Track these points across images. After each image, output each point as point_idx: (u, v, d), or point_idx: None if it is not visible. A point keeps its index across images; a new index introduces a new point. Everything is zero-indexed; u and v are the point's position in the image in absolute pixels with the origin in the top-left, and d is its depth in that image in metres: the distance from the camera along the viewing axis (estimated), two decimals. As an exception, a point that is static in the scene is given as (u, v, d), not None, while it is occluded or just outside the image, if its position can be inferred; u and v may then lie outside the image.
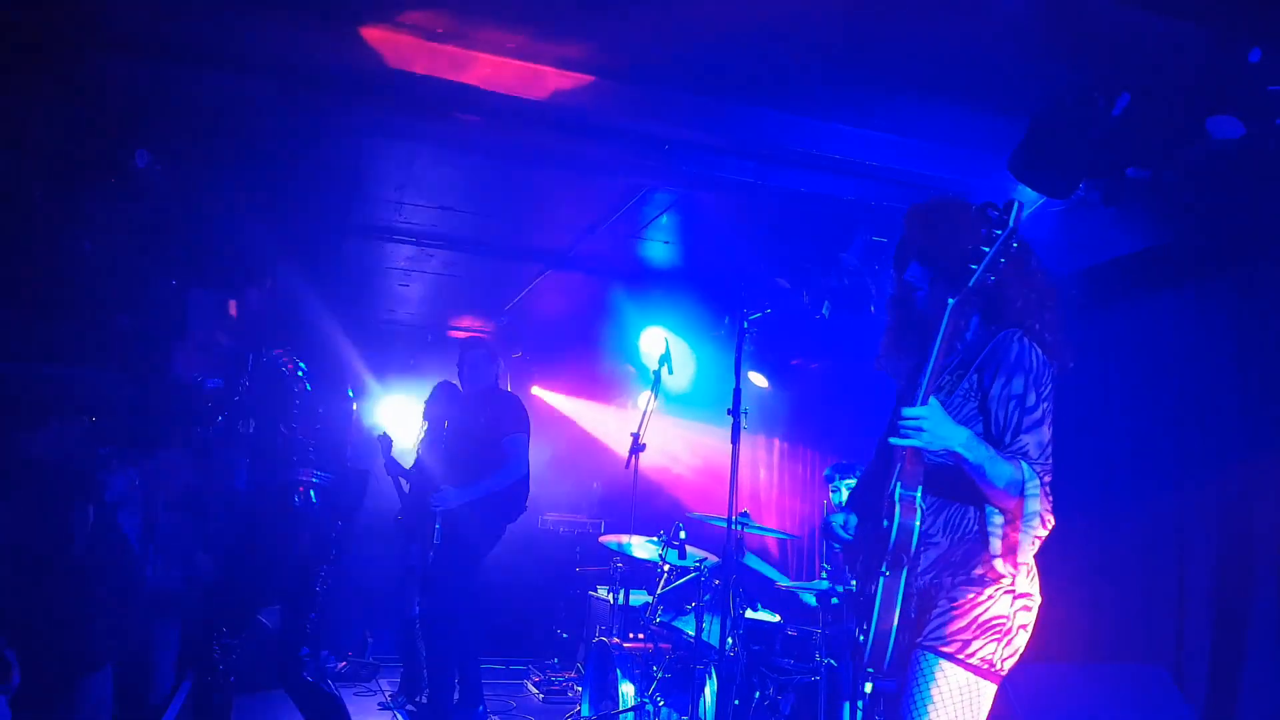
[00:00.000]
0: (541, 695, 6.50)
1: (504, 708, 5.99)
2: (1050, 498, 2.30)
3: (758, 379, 6.64)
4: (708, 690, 4.50)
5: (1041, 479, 2.28)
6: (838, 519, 2.63)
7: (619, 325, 7.09)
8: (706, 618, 4.52)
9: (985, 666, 2.26)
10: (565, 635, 7.30)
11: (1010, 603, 2.30)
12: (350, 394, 4.17)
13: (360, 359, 7.68)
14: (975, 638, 2.26)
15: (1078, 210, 4.29)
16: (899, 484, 2.30)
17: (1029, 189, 3.84)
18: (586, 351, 8.08)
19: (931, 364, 2.23)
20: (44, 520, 4.18)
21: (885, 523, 2.29)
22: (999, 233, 2.18)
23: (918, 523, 2.27)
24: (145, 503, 5.52)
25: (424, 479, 5.70)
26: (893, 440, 2.26)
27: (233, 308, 6.00)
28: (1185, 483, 4.16)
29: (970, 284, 2.20)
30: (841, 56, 3.59)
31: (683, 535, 4.98)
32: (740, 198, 4.99)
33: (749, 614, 4.74)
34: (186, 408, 6.37)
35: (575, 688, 6.49)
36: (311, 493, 3.90)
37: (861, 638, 2.36)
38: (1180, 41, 3.16)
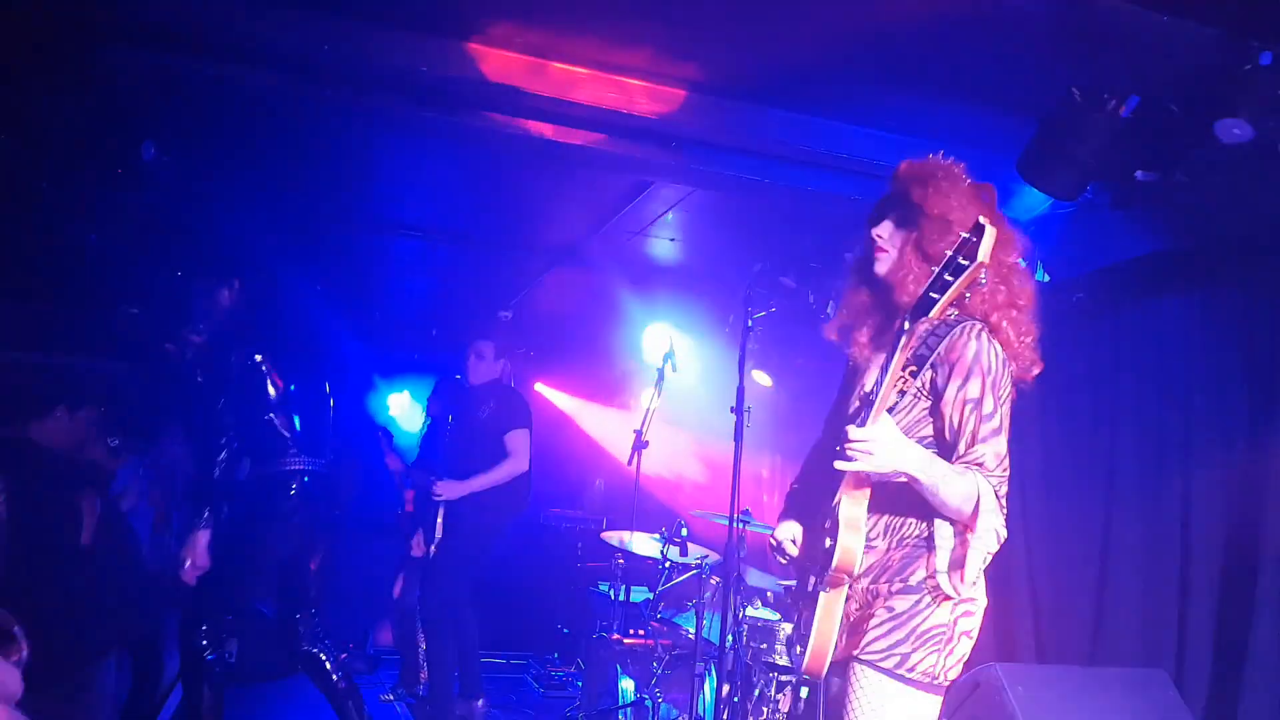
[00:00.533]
0: (542, 689, 6.51)
1: (504, 702, 6.00)
2: (1005, 510, 2.14)
3: (762, 378, 6.63)
4: (707, 686, 4.50)
5: (997, 491, 2.11)
6: (787, 533, 2.49)
7: (623, 322, 7.08)
8: (707, 615, 4.52)
9: (926, 680, 2.15)
10: (566, 630, 7.31)
11: (950, 610, 2.16)
12: (326, 387, 4.20)
13: (364, 353, 7.69)
14: (914, 650, 2.14)
15: (1086, 213, 4.28)
16: (845, 500, 2.17)
17: (1037, 190, 3.83)
18: (590, 348, 8.08)
19: (885, 383, 2.07)
20: (53, 509, 4.20)
21: (828, 541, 2.17)
22: (965, 264, 1.97)
23: (861, 544, 2.16)
24: (157, 492, 5.54)
25: (426, 472, 5.71)
26: (838, 465, 2.08)
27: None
28: (1191, 485, 4.15)
29: (928, 314, 2.02)
30: (849, 55, 3.58)
31: (684, 532, 4.98)
32: (746, 196, 4.98)
33: (749, 611, 4.74)
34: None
35: (575, 683, 6.50)
36: (306, 479, 3.92)
37: (799, 649, 2.26)
38: (1191, 44, 3.14)
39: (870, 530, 2.24)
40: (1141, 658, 4.14)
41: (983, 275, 2.01)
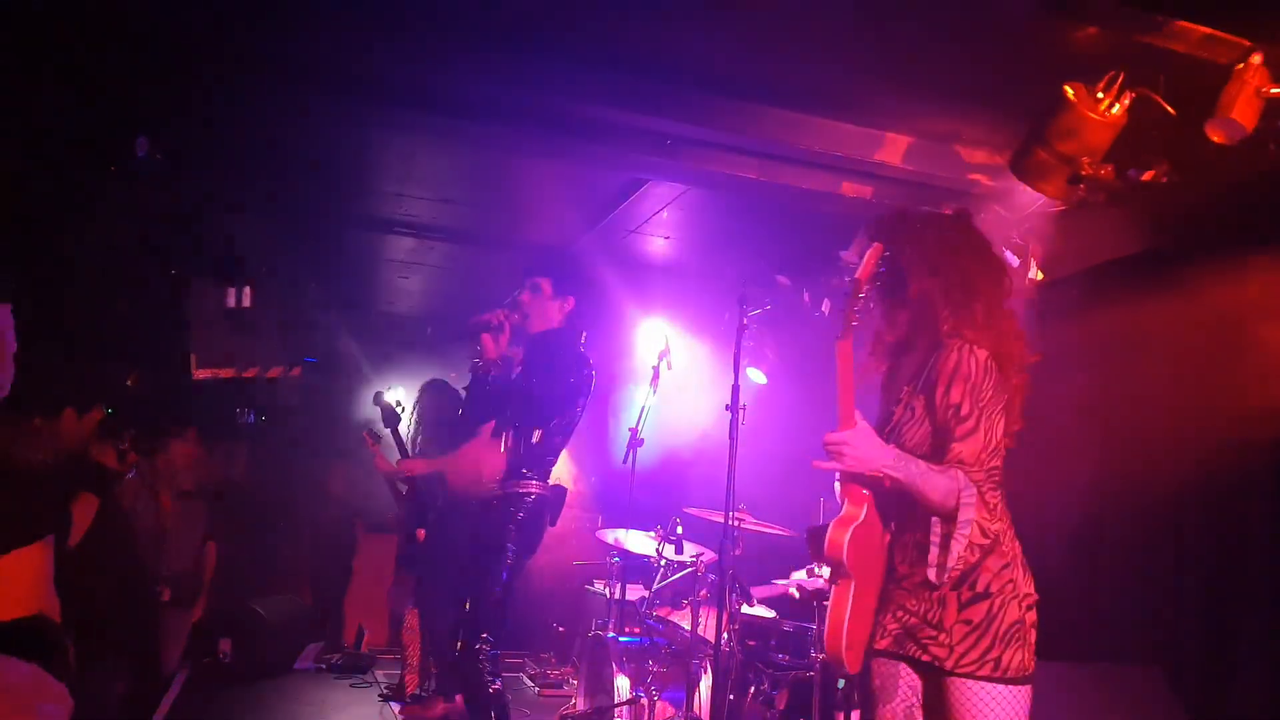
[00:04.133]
0: (537, 688, 6.52)
1: (499, 700, 6.00)
2: (991, 507, 2.31)
3: (757, 375, 6.64)
4: (703, 685, 4.51)
5: (981, 488, 2.28)
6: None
7: (619, 318, 7.08)
8: (702, 612, 4.53)
9: (1022, 674, 2.33)
10: (561, 629, 7.31)
11: (1019, 606, 2.34)
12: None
13: (361, 352, 7.69)
14: (1003, 651, 2.30)
15: (1079, 211, 4.29)
16: (845, 501, 2.39)
17: (1030, 189, 3.84)
18: (586, 345, 8.07)
19: (842, 391, 2.35)
20: (52, 511, 4.19)
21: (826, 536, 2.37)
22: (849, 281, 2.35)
23: (846, 536, 2.33)
24: (155, 493, 5.54)
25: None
26: (816, 464, 2.35)
27: (230, 296, 6.00)
28: (1183, 484, 4.17)
29: (839, 334, 2.37)
30: (844, 54, 3.59)
31: (679, 530, 4.99)
32: (741, 194, 4.99)
33: (745, 609, 4.75)
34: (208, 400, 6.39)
35: (571, 681, 6.50)
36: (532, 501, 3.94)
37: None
38: (1184, 41, 3.16)
39: (903, 545, 2.41)
40: (1135, 656, 4.15)
41: (861, 294, 2.39)
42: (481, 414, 4.06)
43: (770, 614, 4.96)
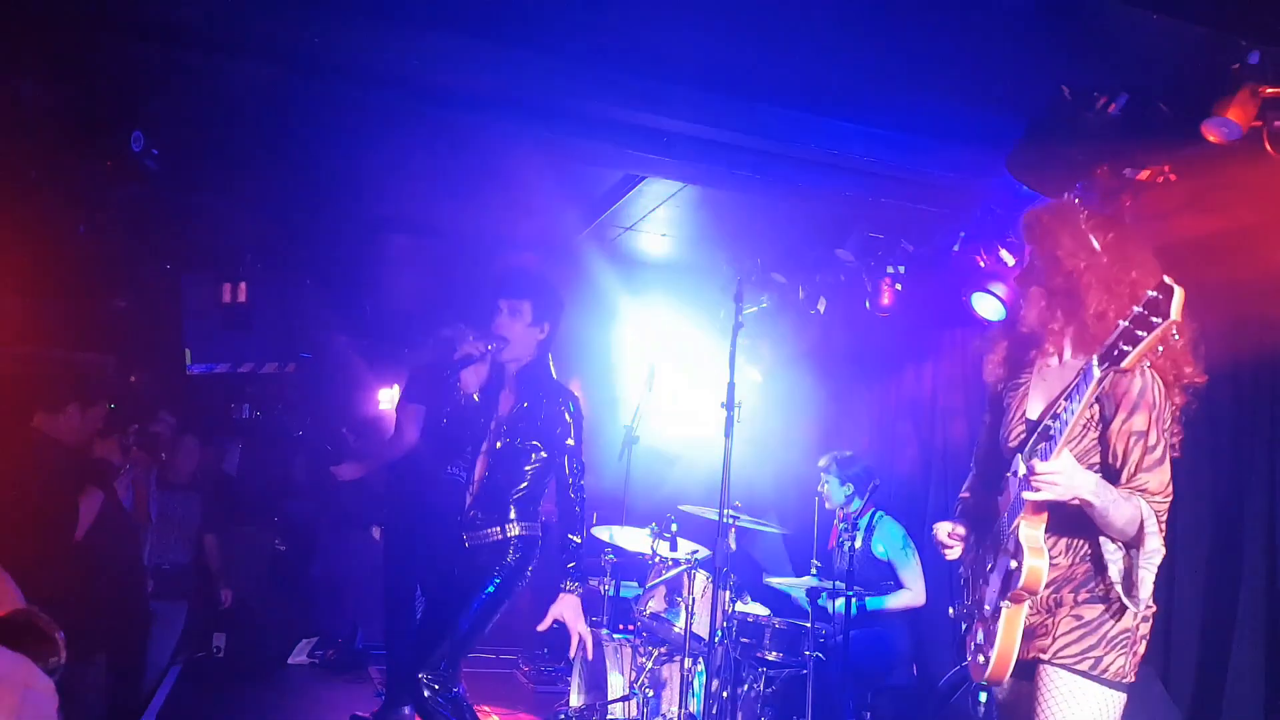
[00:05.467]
0: (532, 685, 6.52)
1: (494, 696, 5.99)
2: (1164, 530, 2.36)
3: (752, 373, 6.65)
4: (697, 681, 4.52)
5: (1159, 516, 2.34)
6: (943, 528, 2.73)
7: (614, 316, 7.08)
8: (696, 609, 4.53)
9: (1118, 679, 2.36)
10: (556, 625, 7.30)
11: (1133, 616, 2.39)
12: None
13: (355, 348, 7.66)
14: (1106, 653, 2.36)
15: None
16: (1023, 523, 2.38)
17: (1027, 187, 3.85)
18: (581, 342, 8.07)
19: (1069, 424, 2.25)
20: (56, 503, 4.18)
21: (1013, 564, 2.38)
22: (1157, 321, 2.04)
23: (1045, 564, 2.36)
24: (150, 486, 5.53)
25: None
26: (1026, 495, 2.30)
27: (227, 291, 5.99)
28: (1177, 487, 4.16)
29: (1122, 365, 2.12)
30: (841, 52, 3.59)
31: (674, 528, 4.99)
32: (737, 192, 4.99)
33: (738, 607, 4.75)
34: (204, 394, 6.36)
35: (565, 678, 6.50)
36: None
37: (981, 659, 2.48)
38: (1181, 42, 3.16)
39: (1052, 549, 2.43)
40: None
41: (1174, 332, 2.08)
42: (468, 439, 3.83)
43: (764, 611, 4.96)
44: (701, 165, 4.45)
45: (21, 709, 2.22)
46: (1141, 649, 2.42)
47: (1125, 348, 2.10)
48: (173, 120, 4.26)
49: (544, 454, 3.65)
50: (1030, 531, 2.37)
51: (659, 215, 5.62)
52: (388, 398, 8.48)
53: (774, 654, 4.60)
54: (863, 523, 5.20)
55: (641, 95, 3.94)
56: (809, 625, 4.50)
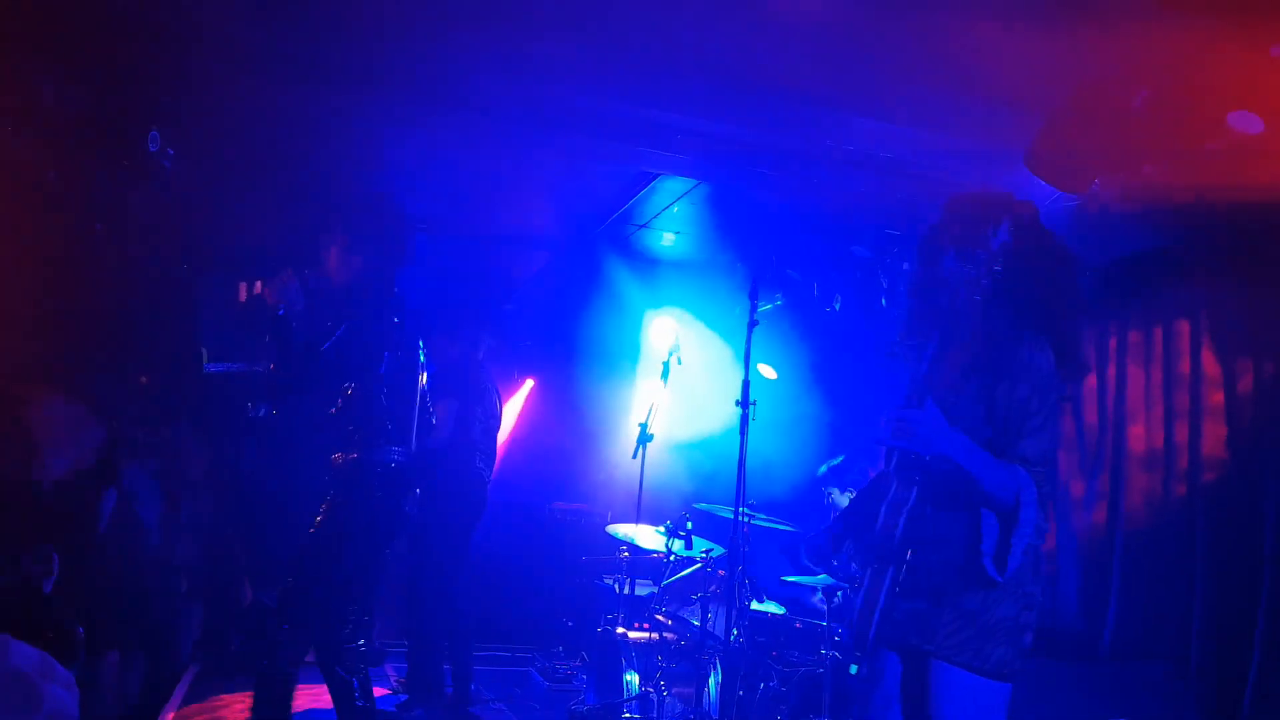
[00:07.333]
0: (547, 683, 6.52)
1: (509, 695, 6.00)
2: (1049, 506, 2.31)
3: (767, 371, 6.63)
4: (712, 681, 4.50)
5: (1040, 487, 2.27)
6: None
7: (629, 314, 7.07)
8: (712, 608, 4.52)
9: (1001, 672, 2.29)
10: (571, 624, 7.31)
11: (1015, 603, 2.31)
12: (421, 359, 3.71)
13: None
14: (986, 643, 2.28)
15: (1093, 206, 4.26)
16: (894, 484, 2.38)
17: (1044, 183, 3.81)
18: (596, 340, 8.07)
19: (948, 385, 2.28)
20: (77, 504, 4.22)
21: (876, 522, 2.38)
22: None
23: (901, 524, 2.35)
24: (165, 485, 5.56)
25: None
26: (886, 440, 2.29)
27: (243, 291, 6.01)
28: (1195, 480, 4.14)
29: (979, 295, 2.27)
30: (859, 49, 3.57)
31: (689, 525, 4.98)
32: (752, 189, 4.97)
33: (754, 605, 4.74)
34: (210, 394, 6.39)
35: (580, 676, 6.50)
36: (393, 465, 3.52)
37: (850, 626, 2.49)
38: (1201, 36, 3.12)
39: (926, 530, 2.38)
40: (1147, 654, 4.13)
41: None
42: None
43: (781, 610, 4.95)
44: (717, 162, 4.44)
45: (44, 703, 2.25)
46: (1027, 640, 2.33)
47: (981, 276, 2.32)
48: (190, 120, 4.28)
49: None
50: (899, 492, 2.39)
51: (673, 213, 5.61)
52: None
53: (792, 653, 4.59)
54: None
55: (656, 92, 3.93)
56: (825, 624, 4.48)
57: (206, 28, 3.59)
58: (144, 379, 6.31)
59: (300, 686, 3.54)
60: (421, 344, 3.78)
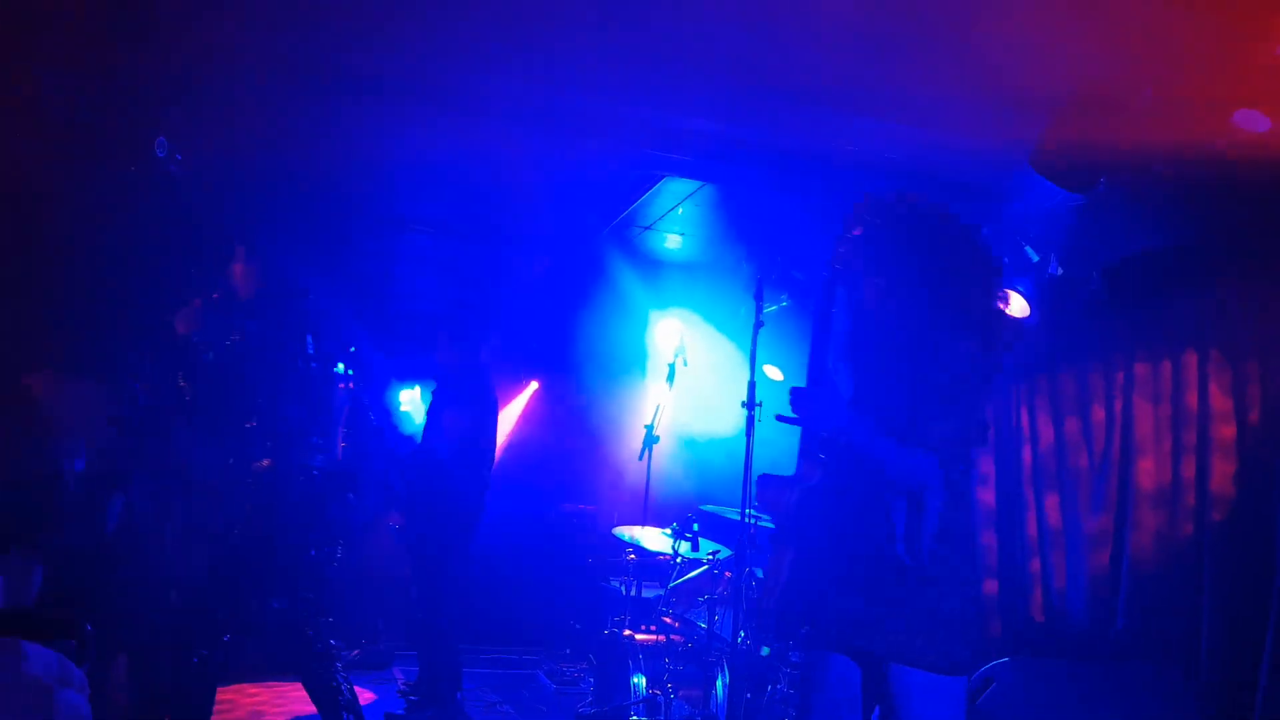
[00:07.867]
0: (554, 686, 6.52)
1: (516, 698, 6.00)
2: (960, 494, 2.27)
3: (773, 372, 6.62)
4: (719, 683, 4.50)
5: (949, 472, 2.24)
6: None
7: (634, 316, 7.07)
8: (719, 610, 4.51)
9: (955, 667, 2.26)
10: (578, 626, 7.31)
11: (959, 594, 2.27)
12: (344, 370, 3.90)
13: (377, 348, 7.69)
14: (936, 640, 2.24)
15: (1099, 205, 4.25)
16: (801, 463, 2.42)
17: (1050, 182, 3.80)
18: (601, 342, 8.08)
19: (815, 344, 2.36)
20: (88, 508, 4.22)
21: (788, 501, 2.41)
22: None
23: (794, 499, 2.39)
24: (169, 487, 5.56)
25: None
26: (776, 415, 2.35)
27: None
28: (1204, 479, 4.13)
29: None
30: (863, 48, 3.56)
31: (695, 528, 4.98)
32: (757, 189, 4.97)
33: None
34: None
35: (587, 679, 6.50)
36: (314, 475, 3.68)
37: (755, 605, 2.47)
38: (1207, 35, 3.12)
39: (849, 522, 2.35)
40: (1153, 654, 4.12)
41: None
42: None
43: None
44: (722, 165, 4.44)
45: (56, 704, 2.25)
46: (976, 631, 2.32)
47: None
48: (196, 125, 4.29)
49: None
50: (804, 469, 2.42)
51: (678, 214, 5.61)
52: (408, 398, 8.51)
53: (799, 655, 4.58)
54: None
55: (661, 93, 3.94)
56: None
57: (215, 31, 3.60)
58: (145, 383, 6.31)
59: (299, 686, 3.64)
60: (352, 349, 3.98)
